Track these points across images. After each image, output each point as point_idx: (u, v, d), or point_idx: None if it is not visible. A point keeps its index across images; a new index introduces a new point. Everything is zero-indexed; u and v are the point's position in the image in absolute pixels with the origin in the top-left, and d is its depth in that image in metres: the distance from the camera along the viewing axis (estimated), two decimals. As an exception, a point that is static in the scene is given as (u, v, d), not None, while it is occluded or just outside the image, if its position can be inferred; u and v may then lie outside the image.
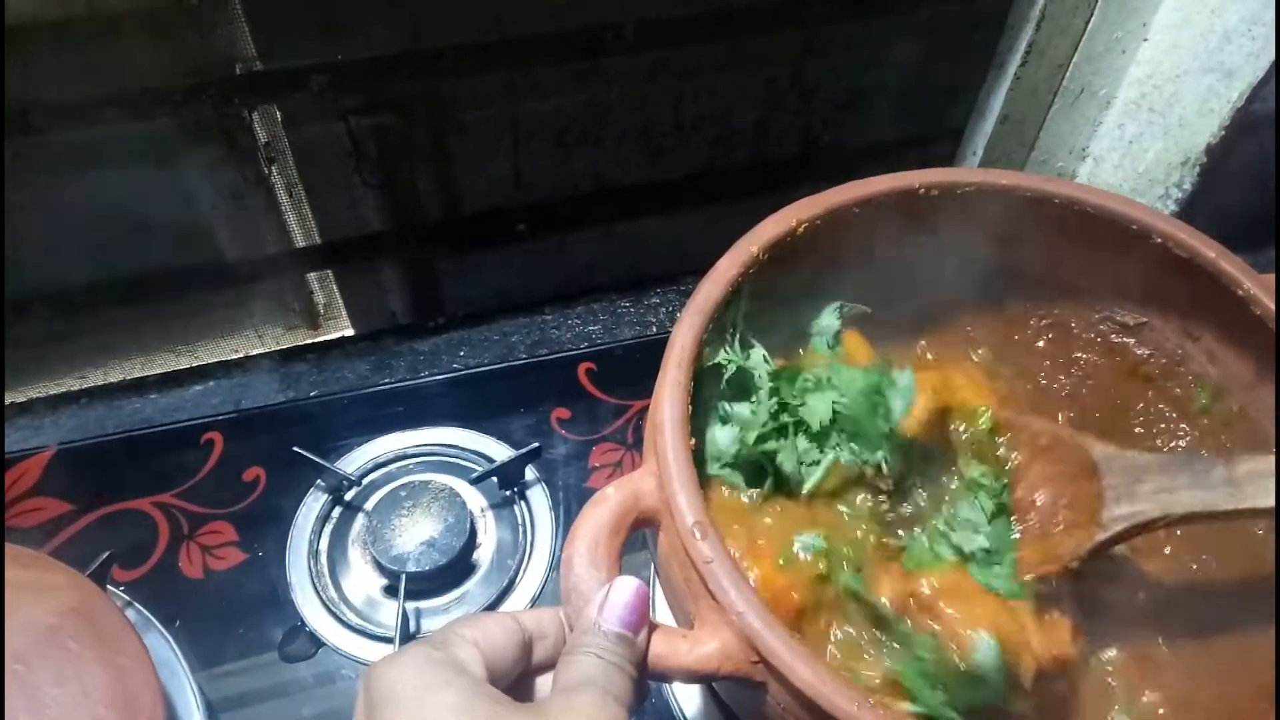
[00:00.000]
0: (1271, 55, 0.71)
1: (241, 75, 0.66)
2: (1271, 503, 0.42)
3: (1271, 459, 0.43)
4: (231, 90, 0.67)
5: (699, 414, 0.49)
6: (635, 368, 0.79)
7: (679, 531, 0.42)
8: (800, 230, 0.52)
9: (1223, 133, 0.76)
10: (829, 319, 0.57)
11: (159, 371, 0.82)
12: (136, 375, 0.82)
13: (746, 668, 0.39)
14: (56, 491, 0.69)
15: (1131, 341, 0.58)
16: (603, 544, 0.42)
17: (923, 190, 0.54)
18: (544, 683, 0.41)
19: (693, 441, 0.45)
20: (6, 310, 0.71)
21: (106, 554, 0.61)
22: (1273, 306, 0.48)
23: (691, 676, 0.40)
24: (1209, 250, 0.51)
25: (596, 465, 0.73)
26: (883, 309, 0.59)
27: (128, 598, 0.62)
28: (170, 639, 0.60)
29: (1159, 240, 0.52)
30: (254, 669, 0.62)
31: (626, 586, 0.39)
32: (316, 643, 0.63)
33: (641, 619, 0.39)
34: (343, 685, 0.62)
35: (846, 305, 0.57)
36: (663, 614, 0.48)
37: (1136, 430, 0.58)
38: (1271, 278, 0.50)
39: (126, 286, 0.75)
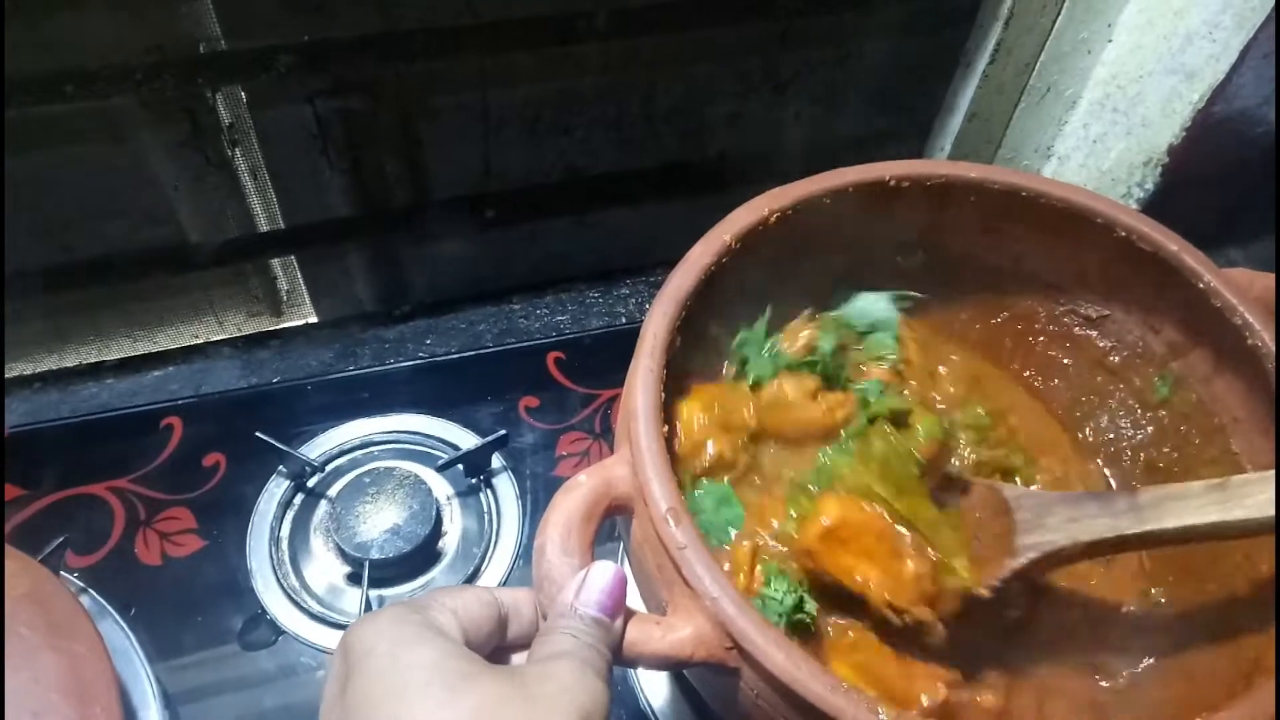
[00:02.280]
0: (1231, 59, 0.73)
1: (205, 54, 0.65)
2: (1172, 524, 0.43)
3: (1171, 486, 0.45)
4: (194, 69, 0.65)
5: (671, 402, 0.49)
6: (604, 358, 0.79)
7: (652, 518, 0.42)
8: (772, 219, 0.52)
9: (1184, 133, 0.77)
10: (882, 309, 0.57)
11: (116, 356, 0.80)
12: (93, 360, 0.80)
13: (720, 654, 0.39)
14: (8, 476, 0.67)
15: (1094, 334, 0.59)
16: (575, 531, 0.42)
17: (893, 182, 0.55)
18: (518, 660, 0.41)
19: (665, 429, 0.44)
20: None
21: (60, 539, 0.60)
22: (1233, 300, 0.49)
23: (665, 663, 0.40)
24: (1171, 244, 0.51)
25: (564, 454, 0.73)
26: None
27: (82, 584, 0.61)
28: (126, 626, 0.59)
29: (1122, 234, 0.53)
30: (213, 657, 0.61)
31: (605, 571, 0.39)
32: (277, 631, 0.62)
33: (618, 604, 0.39)
34: (304, 673, 0.61)
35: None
36: (635, 602, 0.48)
37: (1100, 421, 0.59)
38: (1234, 272, 0.51)
39: (83, 269, 0.74)
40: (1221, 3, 0.71)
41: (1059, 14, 0.80)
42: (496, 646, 0.40)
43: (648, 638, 0.39)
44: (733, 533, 0.50)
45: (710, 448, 0.51)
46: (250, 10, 0.63)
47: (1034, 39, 0.82)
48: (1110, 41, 0.79)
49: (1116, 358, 0.58)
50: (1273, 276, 0.51)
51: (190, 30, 0.63)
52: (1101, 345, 0.59)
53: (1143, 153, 0.81)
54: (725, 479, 0.51)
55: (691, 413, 0.51)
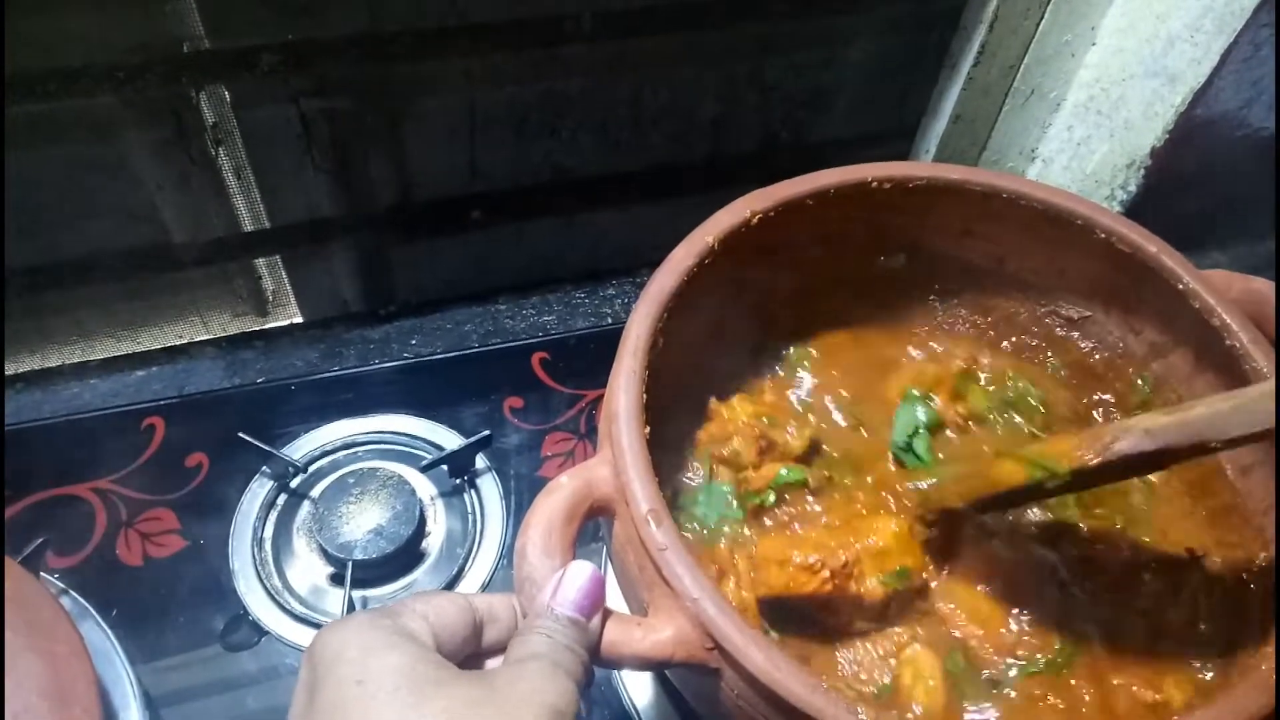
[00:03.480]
0: (1213, 62, 0.73)
1: (189, 53, 0.64)
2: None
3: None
4: (178, 68, 0.65)
5: (654, 403, 0.49)
6: (589, 358, 0.79)
7: (634, 519, 0.42)
8: (754, 221, 0.52)
9: (1167, 136, 0.78)
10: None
11: (100, 357, 0.80)
12: (76, 360, 0.79)
13: (701, 654, 0.39)
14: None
15: (1076, 335, 0.59)
16: (556, 532, 0.42)
17: (874, 183, 0.55)
18: (493, 665, 0.41)
19: (647, 430, 0.45)
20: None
21: (40, 540, 0.59)
22: (1211, 301, 0.50)
23: (645, 664, 0.40)
24: (1151, 245, 0.52)
25: (548, 455, 0.73)
26: (830, 301, 0.60)
27: (63, 585, 0.60)
28: (107, 628, 0.59)
29: (1102, 235, 0.53)
30: (195, 658, 0.61)
31: (581, 571, 0.39)
32: (260, 631, 0.62)
33: (595, 604, 0.39)
34: (286, 674, 0.61)
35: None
36: (617, 603, 0.48)
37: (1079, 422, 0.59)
38: (1213, 273, 0.51)
39: (66, 269, 0.73)
40: (1202, 7, 0.71)
41: (1042, 17, 0.81)
42: (472, 653, 0.40)
43: (628, 638, 0.40)
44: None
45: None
46: (234, 9, 0.63)
47: (1018, 42, 0.83)
48: (1093, 45, 0.80)
49: (1098, 358, 0.59)
50: (1251, 279, 0.51)
51: (174, 29, 0.63)
52: (1083, 346, 0.59)
53: (1126, 155, 0.82)
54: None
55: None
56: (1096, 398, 0.59)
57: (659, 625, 0.40)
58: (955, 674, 0.47)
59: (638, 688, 0.61)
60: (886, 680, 0.47)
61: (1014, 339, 0.61)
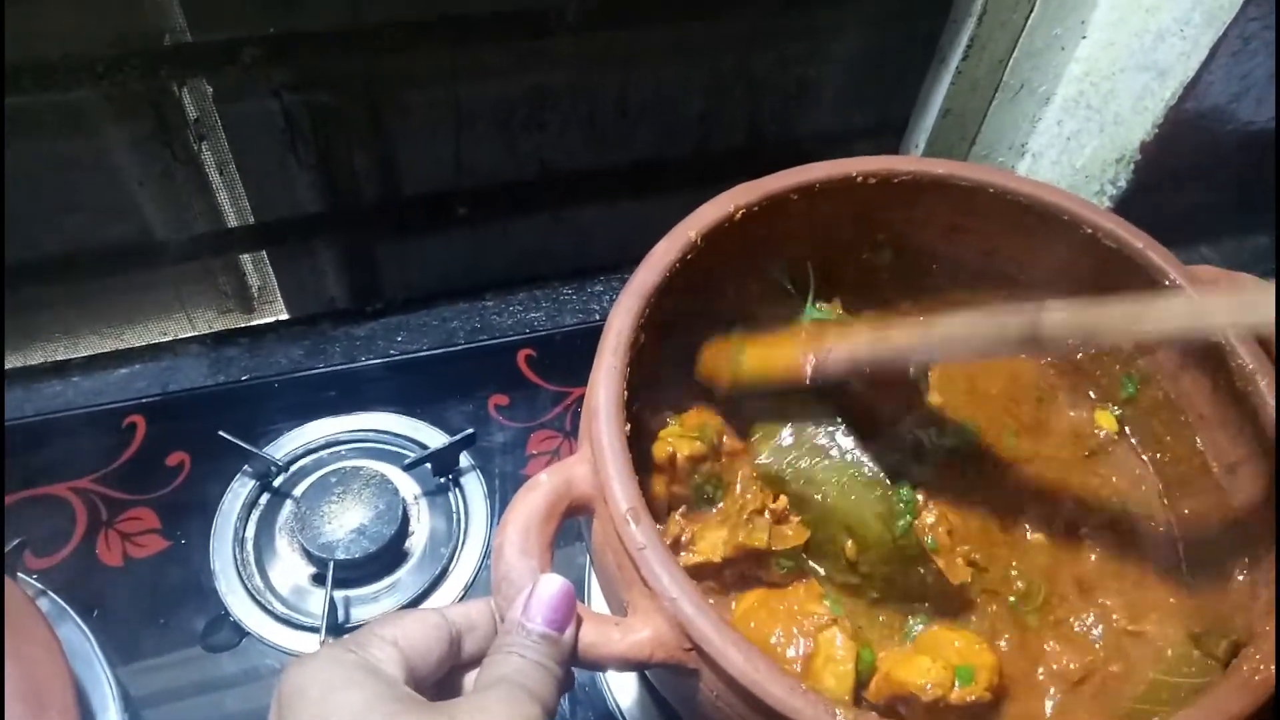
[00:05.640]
0: (1202, 56, 0.73)
1: (170, 46, 0.64)
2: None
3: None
4: (159, 62, 0.64)
5: (634, 400, 0.48)
6: (576, 355, 0.78)
7: (613, 518, 0.41)
8: (738, 216, 0.52)
9: (1156, 130, 0.78)
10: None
11: (83, 354, 0.79)
12: (59, 358, 0.79)
13: (679, 655, 0.39)
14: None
15: (1063, 332, 0.59)
16: (534, 531, 0.41)
17: (860, 178, 0.55)
18: (474, 678, 0.41)
19: (628, 427, 0.44)
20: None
21: (18, 541, 0.59)
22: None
23: (624, 665, 0.40)
24: (1136, 241, 0.51)
25: (534, 453, 0.72)
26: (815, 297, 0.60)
27: (41, 586, 0.60)
28: (86, 629, 0.58)
29: (1089, 230, 0.53)
30: (175, 660, 0.60)
31: (551, 585, 0.38)
32: (241, 633, 0.62)
33: (566, 617, 0.38)
34: (267, 676, 0.60)
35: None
36: (598, 603, 0.48)
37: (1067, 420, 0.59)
38: (1199, 269, 0.51)
39: (48, 266, 0.72)
40: (1191, 1, 0.71)
41: (1032, 10, 0.80)
42: (453, 666, 0.40)
43: (606, 640, 0.39)
44: None
45: None
46: (215, 1, 0.62)
47: (1007, 35, 0.82)
48: (1084, 38, 0.79)
49: (1084, 355, 0.58)
50: (1236, 274, 0.51)
51: (154, 21, 0.62)
52: (1070, 343, 0.59)
53: (1115, 150, 0.82)
54: None
55: None
56: (1086, 397, 0.58)
57: (637, 626, 0.39)
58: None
59: (621, 689, 0.61)
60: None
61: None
